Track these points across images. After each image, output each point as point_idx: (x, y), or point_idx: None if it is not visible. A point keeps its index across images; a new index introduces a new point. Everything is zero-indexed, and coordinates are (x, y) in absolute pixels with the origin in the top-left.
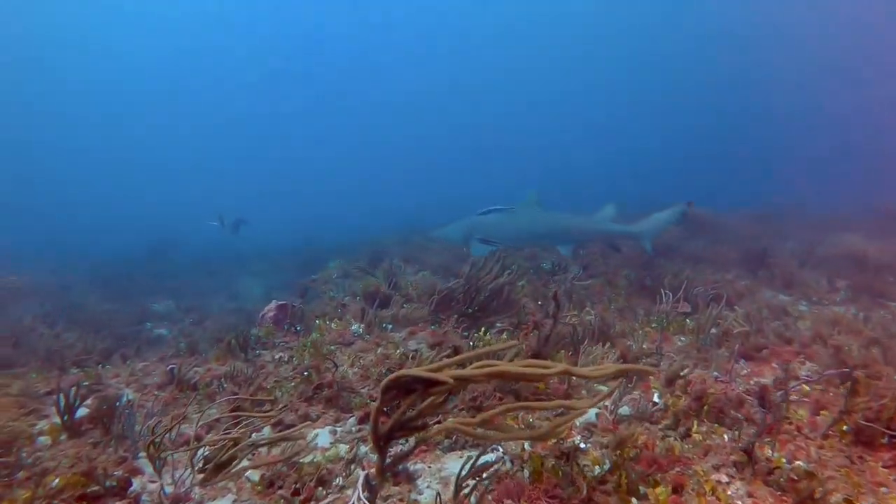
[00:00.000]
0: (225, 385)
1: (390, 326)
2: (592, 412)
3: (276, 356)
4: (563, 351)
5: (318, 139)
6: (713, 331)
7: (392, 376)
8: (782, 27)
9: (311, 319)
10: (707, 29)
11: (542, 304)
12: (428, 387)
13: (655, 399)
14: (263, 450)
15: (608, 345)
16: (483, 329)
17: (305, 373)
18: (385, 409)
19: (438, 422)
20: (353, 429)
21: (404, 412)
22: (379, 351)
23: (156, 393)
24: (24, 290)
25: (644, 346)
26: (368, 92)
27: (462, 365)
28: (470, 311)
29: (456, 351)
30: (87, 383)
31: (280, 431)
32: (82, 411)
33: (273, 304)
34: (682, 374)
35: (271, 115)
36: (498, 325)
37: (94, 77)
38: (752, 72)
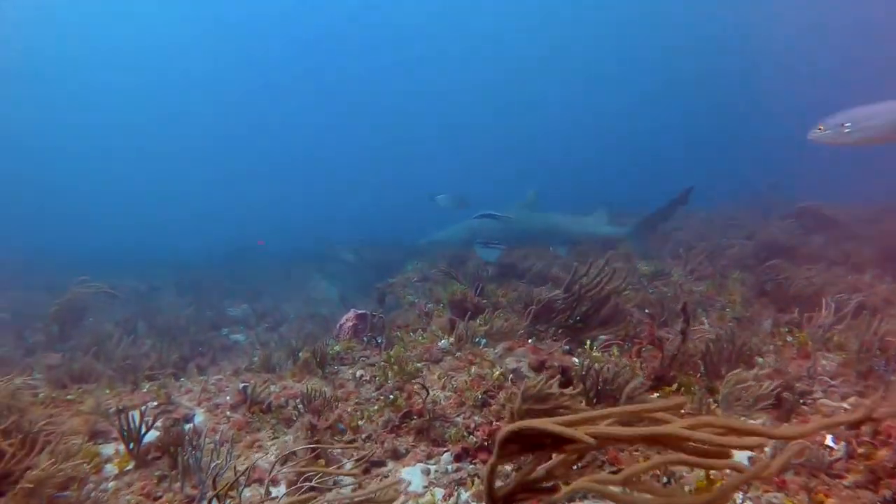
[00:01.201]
0: (301, 407)
1: (483, 341)
2: (743, 455)
3: (357, 374)
4: (691, 374)
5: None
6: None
7: (513, 427)
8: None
9: (393, 330)
10: (706, 24)
11: (650, 312)
12: (559, 442)
13: (831, 443)
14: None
15: (745, 367)
16: (588, 342)
17: (391, 396)
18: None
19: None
20: (449, 468)
21: (530, 472)
22: (473, 370)
23: (228, 414)
24: (110, 295)
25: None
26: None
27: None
28: (571, 322)
29: (563, 372)
30: (156, 404)
31: (364, 467)
32: (153, 434)
33: (352, 314)
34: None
35: (318, 117)
36: (602, 337)
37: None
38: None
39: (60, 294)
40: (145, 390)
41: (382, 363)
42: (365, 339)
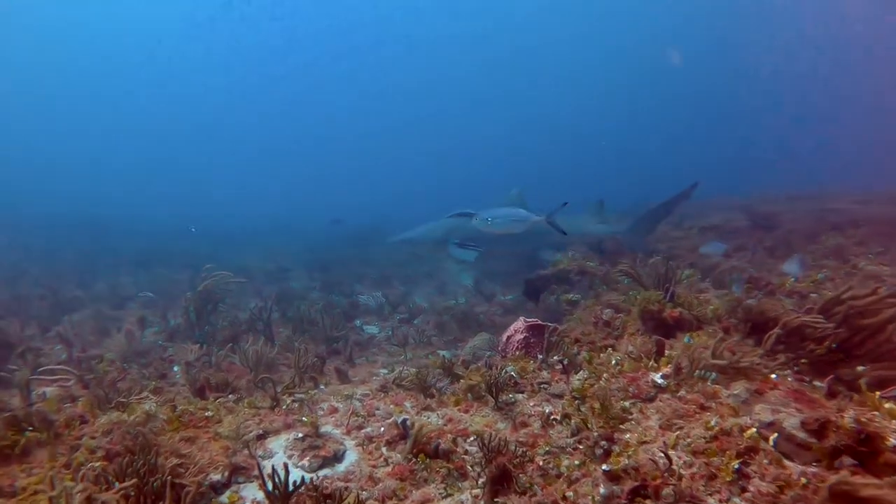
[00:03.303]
0: (477, 453)
1: (713, 375)
2: None
3: (544, 409)
4: None
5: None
6: None
7: None
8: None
9: (571, 346)
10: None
11: None
12: None
13: None
14: None
15: None
16: (861, 385)
17: (597, 449)
18: None
19: None
20: None
21: None
22: (713, 422)
23: (384, 453)
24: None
25: None
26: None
27: None
28: (821, 351)
29: (867, 441)
30: (301, 435)
31: None
32: (299, 473)
33: (521, 324)
34: None
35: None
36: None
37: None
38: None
39: (196, 274)
40: (286, 407)
41: (574, 397)
42: (539, 356)
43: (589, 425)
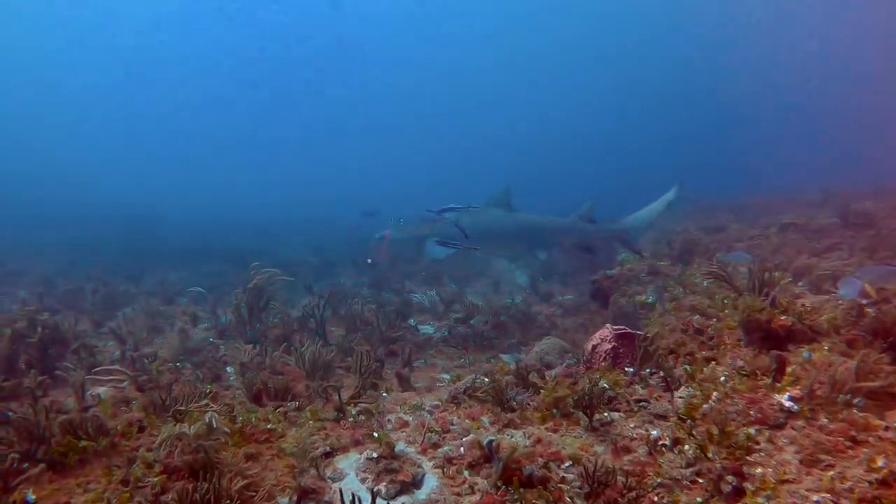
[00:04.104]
0: (576, 483)
1: (859, 401)
2: None
3: (648, 432)
4: None
5: None
6: None
7: None
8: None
9: (666, 358)
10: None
11: None
12: None
13: None
14: None
15: None
16: None
17: (723, 485)
18: None
19: None
20: None
21: None
22: (880, 463)
23: (467, 477)
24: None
25: None
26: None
27: None
28: None
29: None
30: (375, 455)
31: None
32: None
33: (608, 332)
34: None
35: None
36: None
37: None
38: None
39: (242, 270)
40: (352, 420)
41: (681, 418)
42: (630, 370)
43: (709, 454)
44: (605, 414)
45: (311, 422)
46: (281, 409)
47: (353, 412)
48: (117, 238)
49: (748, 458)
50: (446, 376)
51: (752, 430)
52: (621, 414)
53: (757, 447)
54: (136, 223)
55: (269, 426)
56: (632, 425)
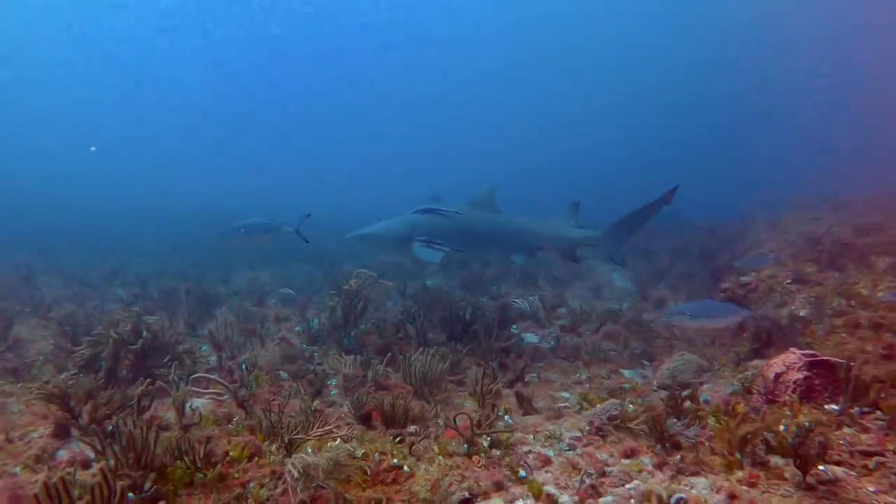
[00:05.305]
0: None
1: None
2: None
3: None
4: None
5: None
6: None
7: None
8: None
9: (880, 393)
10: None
11: None
12: None
13: None
14: None
15: None
16: None
17: None
18: None
19: None
20: None
21: None
22: None
23: None
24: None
25: None
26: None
27: None
28: None
29: None
30: None
31: None
32: None
33: (796, 358)
34: None
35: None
36: None
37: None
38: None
39: (327, 270)
40: (484, 454)
41: None
42: (835, 407)
43: None
44: (822, 468)
45: (440, 457)
46: (401, 438)
47: (485, 444)
48: (204, 238)
49: None
50: (566, 395)
51: None
52: (844, 469)
53: None
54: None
55: (394, 462)
56: (872, 488)
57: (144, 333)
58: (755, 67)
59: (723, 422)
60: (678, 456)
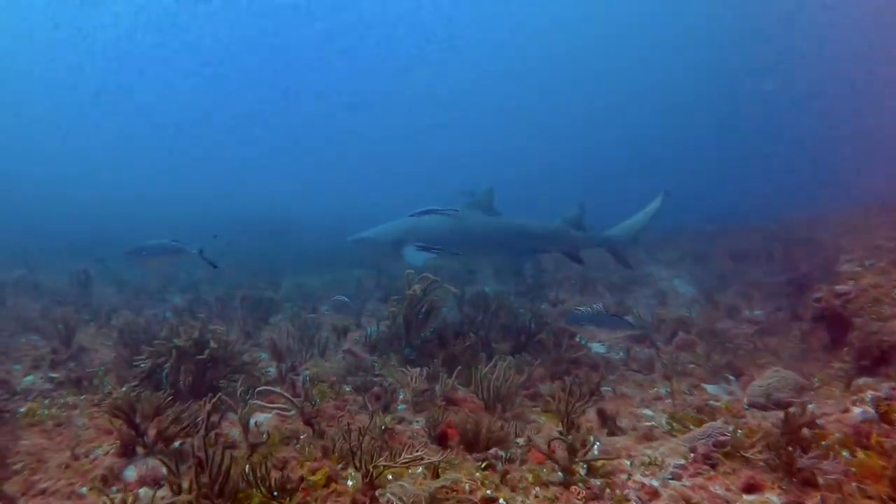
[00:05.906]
0: None
1: None
2: None
3: None
4: None
5: None
6: None
7: None
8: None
9: None
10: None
11: None
12: None
13: None
14: None
15: None
16: None
17: None
18: None
19: None
20: None
21: None
22: None
23: None
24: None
25: None
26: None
27: None
28: None
29: None
30: None
31: None
32: None
33: None
34: None
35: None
36: None
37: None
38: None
39: (378, 275)
40: (581, 483)
41: None
42: None
43: None
44: None
45: (537, 487)
46: (488, 463)
47: (581, 472)
48: (253, 242)
49: None
50: (649, 412)
51: None
52: None
53: None
54: (270, 227)
55: (487, 492)
56: None
57: (211, 343)
58: (755, 68)
59: (870, 457)
60: (818, 496)
